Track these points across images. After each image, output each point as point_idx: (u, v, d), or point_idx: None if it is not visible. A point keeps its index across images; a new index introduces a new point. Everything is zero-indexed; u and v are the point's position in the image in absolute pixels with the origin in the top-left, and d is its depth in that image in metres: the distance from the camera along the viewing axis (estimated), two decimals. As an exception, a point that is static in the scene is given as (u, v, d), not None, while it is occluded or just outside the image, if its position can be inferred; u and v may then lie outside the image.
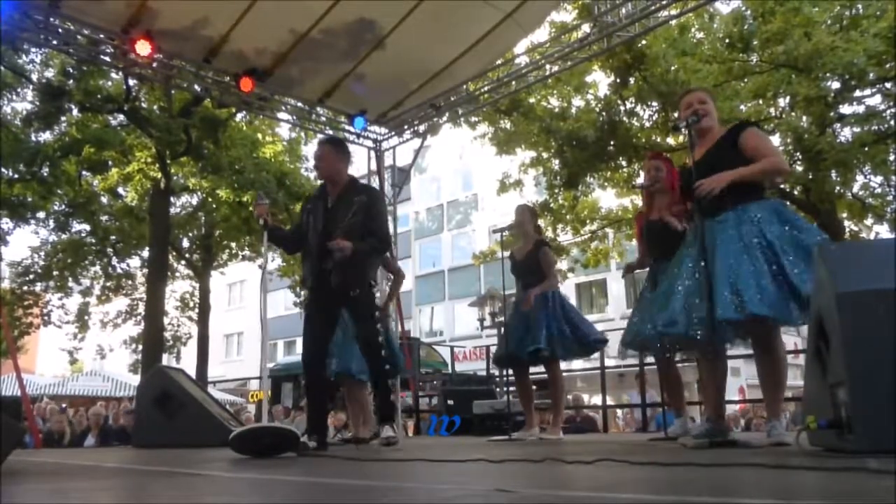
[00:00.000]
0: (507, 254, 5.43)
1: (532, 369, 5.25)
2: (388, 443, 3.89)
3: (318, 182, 4.38)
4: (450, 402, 8.11)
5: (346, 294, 3.90)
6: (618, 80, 11.50)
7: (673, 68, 10.67)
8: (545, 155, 13.12)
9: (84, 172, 14.63)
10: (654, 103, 11.66)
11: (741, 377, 16.38)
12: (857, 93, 10.43)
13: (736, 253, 2.94)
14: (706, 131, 3.35)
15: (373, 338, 3.98)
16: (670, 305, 3.08)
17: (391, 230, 8.94)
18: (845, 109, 10.86)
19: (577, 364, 5.49)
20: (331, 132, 9.01)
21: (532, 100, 12.47)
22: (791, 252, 2.89)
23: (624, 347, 4.26)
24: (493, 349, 6.94)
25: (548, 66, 7.53)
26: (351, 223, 3.89)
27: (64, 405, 14.12)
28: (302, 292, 17.21)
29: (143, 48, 6.32)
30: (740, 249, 2.95)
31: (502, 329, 5.80)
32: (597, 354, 7.22)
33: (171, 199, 15.19)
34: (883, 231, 12.90)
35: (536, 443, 4.65)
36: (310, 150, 15.54)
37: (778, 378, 3.12)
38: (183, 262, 17.99)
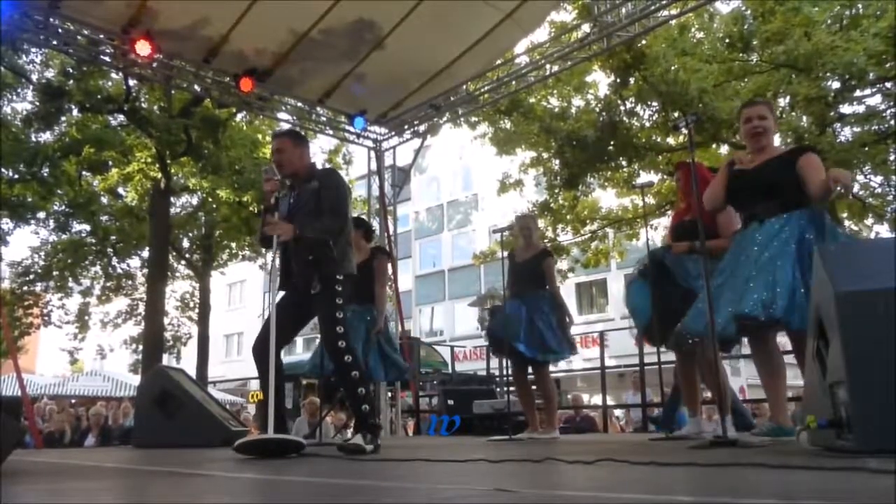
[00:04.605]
0: (506, 253, 5.44)
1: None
2: (350, 450, 3.33)
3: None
4: (450, 402, 8.10)
5: (307, 291, 3.61)
6: (618, 80, 11.50)
7: (673, 68, 10.67)
8: (545, 155, 13.12)
9: (84, 172, 14.60)
10: (654, 103, 11.66)
11: (741, 377, 16.41)
12: (857, 93, 10.44)
13: (781, 257, 3.02)
14: (764, 147, 3.44)
15: (331, 342, 3.59)
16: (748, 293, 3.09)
17: (392, 228, 9.18)
18: (845, 109, 10.88)
19: (578, 364, 5.49)
20: (331, 132, 9.03)
21: (532, 100, 12.47)
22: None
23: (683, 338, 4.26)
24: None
25: (548, 66, 7.54)
26: (305, 214, 3.68)
27: (73, 401, 14.15)
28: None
29: (143, 48, 6.33)
30: (784, 253, 3.02)
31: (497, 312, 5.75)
32: (597, 354, 7.18)
33: (171, 199, 15.16)
34: (883, 231, 12.88)
35: (535, 442, 4.65)
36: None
37: (778, 379, 3.16)
38: (183, 262, 17.97)
